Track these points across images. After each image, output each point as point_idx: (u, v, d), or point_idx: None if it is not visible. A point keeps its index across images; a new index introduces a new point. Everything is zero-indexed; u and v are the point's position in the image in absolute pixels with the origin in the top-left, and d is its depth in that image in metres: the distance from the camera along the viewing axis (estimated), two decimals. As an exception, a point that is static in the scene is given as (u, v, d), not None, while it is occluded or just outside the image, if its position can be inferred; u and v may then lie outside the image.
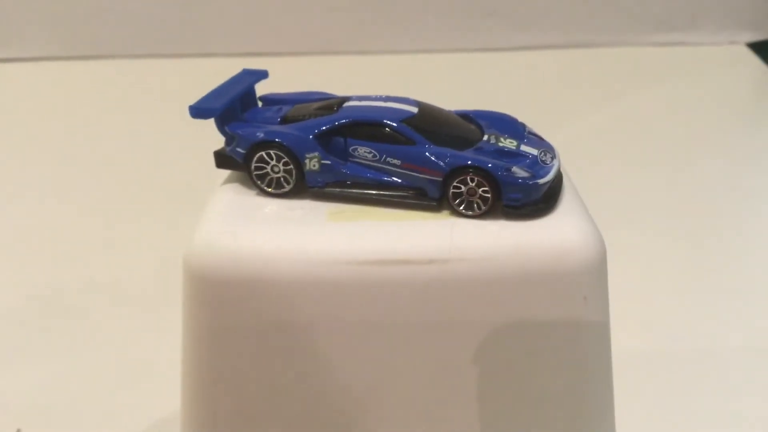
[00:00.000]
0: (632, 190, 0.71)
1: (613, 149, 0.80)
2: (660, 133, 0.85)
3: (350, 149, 0.33)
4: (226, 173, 0.35)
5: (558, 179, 0.33)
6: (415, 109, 0.34)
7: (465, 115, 0.36)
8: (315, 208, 0.33)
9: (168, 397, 0.40)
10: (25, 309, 0.57)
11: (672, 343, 0.52)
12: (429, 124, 0.33)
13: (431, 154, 0.32)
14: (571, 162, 0.77)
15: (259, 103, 0.37)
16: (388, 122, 0.32)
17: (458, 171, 0.31)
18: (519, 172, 0.31)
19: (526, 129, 0.35)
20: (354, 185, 0.33)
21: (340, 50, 0.97)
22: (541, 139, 0.35)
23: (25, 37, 0.97)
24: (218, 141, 0.35)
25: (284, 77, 0.91)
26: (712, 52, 0.99)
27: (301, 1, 0.98)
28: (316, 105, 0.35)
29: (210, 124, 0.34)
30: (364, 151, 0.33)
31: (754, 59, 0.97)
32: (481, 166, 0.31)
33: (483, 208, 0.31)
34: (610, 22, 0.99)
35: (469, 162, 0.31)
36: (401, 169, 0.32)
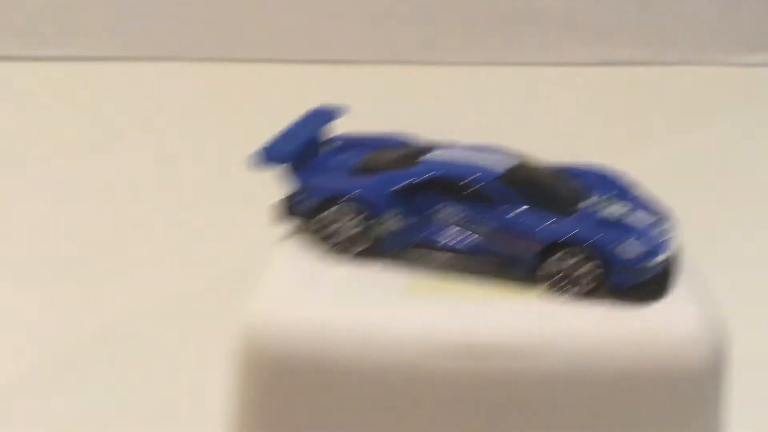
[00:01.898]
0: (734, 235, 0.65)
1: (699, 183, 0.74)
2: (738, 159, 0.79)
3: (434, 208, 0.29)
4: (284, 228, 0.32)
5: (675, 253, 0.29)
6: (511, 163, 0.30)
7: (564, 170, 0.31)
8: (391, 276, 0.29)
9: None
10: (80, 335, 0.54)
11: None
12: (527, 182, 0.29)
13: (528, 221, 0.28)
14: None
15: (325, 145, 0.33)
16: (480, 179, 0.29)
17: (559, 244, 0.27)
18: (630, 248, 0.27)
19: (636, 189, 0.31)
20: (436, 250, 0.29)
21: (351, 59, 0.92)
22: (653, 202, 0.30)
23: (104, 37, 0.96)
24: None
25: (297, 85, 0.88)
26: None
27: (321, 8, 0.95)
28: (396, 153, 0.31)
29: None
30: (451, 212, 0.29)
31: None
32: (587, 241, 0.27)
33: (585, 289, 0.27)
34: (694, 39, 0.93)
35: (573, 234, 0.27)
36: (493, 234, 0.28)
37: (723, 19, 0.92)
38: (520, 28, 0.93)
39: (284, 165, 0.30)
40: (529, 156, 0.31)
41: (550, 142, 0.73)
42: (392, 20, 0.95)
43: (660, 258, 0.27)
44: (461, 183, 0.28)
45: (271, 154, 0.30)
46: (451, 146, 0.31)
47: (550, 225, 0.27)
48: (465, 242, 0.28)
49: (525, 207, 0.28)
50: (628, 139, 0.80)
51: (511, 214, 0.28)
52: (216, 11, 0.96)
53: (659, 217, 0.29)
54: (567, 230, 0.27)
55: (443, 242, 0.29)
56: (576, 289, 0.27)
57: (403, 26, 0.95)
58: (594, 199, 0.29)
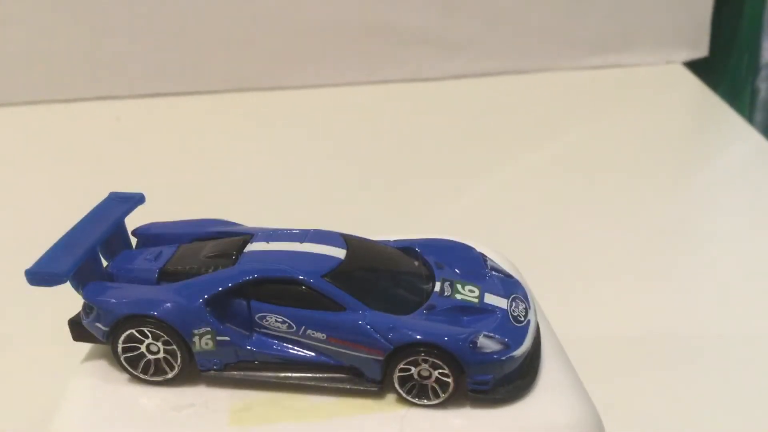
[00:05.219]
0: (576, 222, 0.65)
1: (552, 176, 0.74)
2: (600, 155, 0.80)
3: (256, 317, 0.24)
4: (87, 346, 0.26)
5: (537, 337, 0.25)
6: (341, 254, 0.25)
7: (409, 249, 0.27)
8: (212, 402, 0.24)
9: None
10: None
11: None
12: (361, 277, 0.24)
13: (367, 325, 0.23)
14: (510, 199, 0.72)
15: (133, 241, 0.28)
16: (304, 279, 0.24)
17: (405, 349, 0.23)
18: (487, 344, 0.23)
19: (487, 262, 0.27)
20: (263, 367, 0.24)
21: (252, 86, 0.88)
22: (507, 276, 0.26)
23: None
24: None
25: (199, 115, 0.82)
26: (649, 72, 0.94)
27: (221, 38, 0.88)
28: (207, 250, 0.26)
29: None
30: (275, 320, 0.24)
31: (691, 78, 0.93)
32: (436, 343, 0.23)
33: (441, 395, 0.23)
34: (541, 46, 0.93)
35: (419, 337, 0.23)
36: (328, 344, 0.23)
37: (565, 26, 0.92)
38: (374, 45, 0.90)
39: (65, 280, 0.24)
40: (363, 239, 0.26)
41: (417, 158, 0.71)
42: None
43: (520, 351, 0.23)
44: (284, 284, 0.24)
45: (41, 274, 0.24)
46: (271, 235, 0.26)
47: (394, 329, 0.23)
48: (297, 355, 0.24)
49: (363, 310, 0.23)
50: (494, 150, 0.79)
51: (346, 318, 0.23)
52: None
53: (514, 296, 0.25)
54: (413, 333, 0.23)
55: (271, 357, 0.24)
56: (430, 395, 0.23)
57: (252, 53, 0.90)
58: (444, 283, 0.25)
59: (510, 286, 0.26)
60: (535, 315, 0.25)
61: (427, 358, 0.22)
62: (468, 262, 0.26)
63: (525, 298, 0.25)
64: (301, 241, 0.25)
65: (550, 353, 0.25)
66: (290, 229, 0.26)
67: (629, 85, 0.93)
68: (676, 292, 0.57)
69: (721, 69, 0.99)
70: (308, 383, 0.23)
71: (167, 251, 0.26)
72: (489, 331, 0.23)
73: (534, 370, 0.24)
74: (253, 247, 0.25)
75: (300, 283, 0.24)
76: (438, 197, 0.71)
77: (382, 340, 0.23)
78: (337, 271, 0.24)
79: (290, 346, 0.24)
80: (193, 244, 0.27)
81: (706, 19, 0.94)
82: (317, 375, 0.24)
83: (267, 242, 0.25)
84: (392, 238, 0.27)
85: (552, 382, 0.24)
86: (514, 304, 0.25)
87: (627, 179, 0.73)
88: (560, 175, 0.74)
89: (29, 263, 0.24)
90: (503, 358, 0.23)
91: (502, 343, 0.23)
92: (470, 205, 0.69)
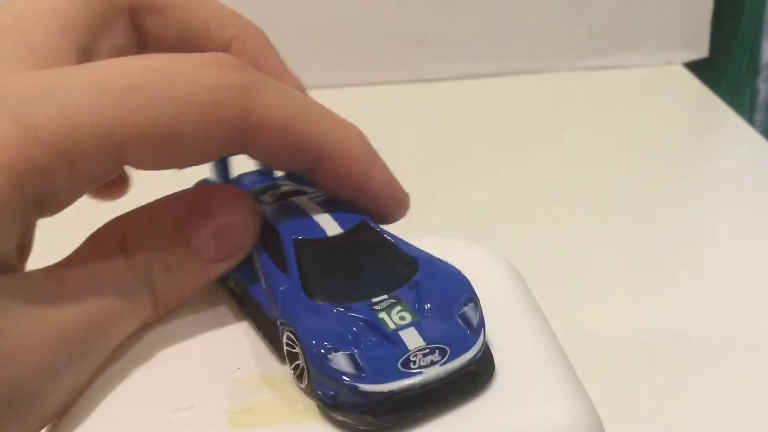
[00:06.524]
0: (575, 222, 0.65)
1: (552, 176, 0.74)
2: (599, 156, 0.81)
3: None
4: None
5: (440, 385, 0.22)
6: (337, 231, 0.25)
7: (414, 258, 0.25)
8: (211, 404, 0.23)
9: None
10: None
11: None
12: (331, 258, 0.24)
13: (272, 293, 0.24)
14: (510, 200, 0.72)
15: None
16: (282, 235, 0.24)
17: (283, 325, 0.23)
18: (340, 362, 0.21)
19: (465, 302, 0.23)
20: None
21: None
22: (474, 328, 0.23)
23: None
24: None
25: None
26: (649, 73, 0.94)
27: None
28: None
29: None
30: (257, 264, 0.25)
31: (691, 79, 0.93)
32: (294, 328, 0.22)
33: (303, 380, 0.22)
34: (541, 47, 0.93)
35: (281, 318, 0.23)
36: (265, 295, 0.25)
37: (565, 26, 0.92)
38: (374, 46, 0.90)
39: None
40: (380, 234, 0.25)
41: (417, 158, 0.71)
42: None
43: (377, 389, 0.21)
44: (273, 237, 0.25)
45: None
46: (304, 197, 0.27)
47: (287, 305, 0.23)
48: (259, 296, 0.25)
49: (294, 281, 0.23)
50: (494, 151, 0.79)
51: (274, 282, 0.24)
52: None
53: (443, 345, 0.22)
54: (287, 311, 0.23)
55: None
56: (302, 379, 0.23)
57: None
58: (384, 297, 0.23)
59: (454, 339, 0.22)
60: (462, 366, 0.22)
61: (289, 335, 0.23)
62: (444, 297, 0.23)
63: (458, 352, 0.22)
64: (323, 208, 0.26)
65: (550, 353, 0.25)
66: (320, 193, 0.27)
67: (629, 86, 0.93)
68: (675, 292, 0.57)
69: (721, 70, 0.99)
70: None
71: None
72: (360, 353, 0.21)
73: (415, 411, 0.21)
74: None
75: (277, 234, 0.25)
76: (438, 198, 0.71)
77: (278, 310, 0.23)
78: (312, 242, 0.24)
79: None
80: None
81: (706, 19, 0.94)
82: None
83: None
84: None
85: (552, 382, 0.24)
86: (431, 351, 0.22)
87: (626, 179, 0.73)
88: (560, 175, 0.75)
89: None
90: (348, 383, 0.21)
91: (358, 369, 0.21)
92: (470, 205, 0.69)
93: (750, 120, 0.92)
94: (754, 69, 0.96)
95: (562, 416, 0.23)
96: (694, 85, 0.92)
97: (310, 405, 0.23)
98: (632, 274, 0.59)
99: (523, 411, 0.23)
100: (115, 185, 0.30)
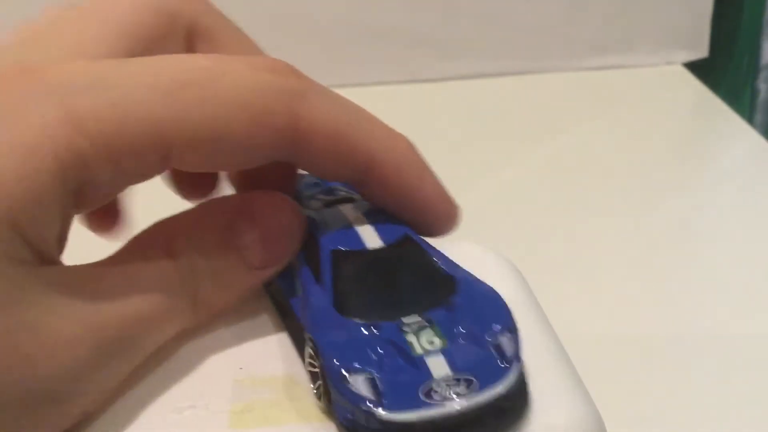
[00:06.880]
0: (575, 222, 0.65)
1: (552, 177, 0.74)
2: (599, 156, 0.81)
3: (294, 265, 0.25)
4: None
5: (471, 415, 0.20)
6: (377, 244, 0.24)
7: (454, 278, 0.24)
8: (212, 403, 0.23)
9: None
10: None
11: None
12: (366, 272, 0.23)
13: (304, 304, 0.23)
14: (510, 200, 0.72)
15: None
16: (321, 244, 0.24)
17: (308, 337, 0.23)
18: (359, 385, 0.20)
19: (502, 330, 0.22)
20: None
21: None
22: (506, 360, 0.21)
23: None
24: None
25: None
26: (649, 73, 0.94)
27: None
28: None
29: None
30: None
31: (691, 79, 0.93)
32: (314, 340, 0.22)
33: (322, 399, 0.22)
34: (541, 48, 0.93)
35: (307, 332, 0.22)
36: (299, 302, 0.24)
37: (565, 26, 0.92)
38: (373, 47, 0.90)
39: None
40: (425, 251, 0.24)
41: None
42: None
43: (397, 418, 0.20)
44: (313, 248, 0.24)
45: None
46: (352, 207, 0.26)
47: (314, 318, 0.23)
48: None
49: (328, 293, 0.23)
50: (494, 151, 0.79)
51: (307, 292, 0.23)
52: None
53: (471, 375, 0.20)
54: (313, 325, 0.22)
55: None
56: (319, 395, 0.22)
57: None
58: (416, 317, 0.22)
59: (483, 370, 0.21)
60: (489, 402, 0.20)
61: (312, 352, 0.22)
62: (479, 322, 0.22)
63: (475, 391, 0.20)
64: (367, 219, 0.25)
65: (550, 353, 0.25)
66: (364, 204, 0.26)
67: (629, 86, 0.93)
68: (676, 292, 0.57)
69: (721, 70, 0.99)
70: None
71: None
72: (381, 377, 0.20)
73: None
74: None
75: (316, 243, 0.24)
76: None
77: (306, 322, 0.23)
78: (350, 255, 0.23)
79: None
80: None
81: (706, 19, 0.94)
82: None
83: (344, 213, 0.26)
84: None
85: (552, 383, 0.24)
86: (457, 382, 0.20)
87: (626, 180, 0.73)
88: (560, 175, 0.74)
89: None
90: (366, 408, 0.20)
91: (377, 394, 0.20)
92: (470, 205, 0.69)
93: (750, 120, 0.92)
94: (754, 69, 0.96)
95: (564, 416, 0.23)
96: (694, 85, 0.92)
97: (311, 405, 0.23)
98: (633, 274, 0.59)
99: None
100: (111, 218, 0.29)
